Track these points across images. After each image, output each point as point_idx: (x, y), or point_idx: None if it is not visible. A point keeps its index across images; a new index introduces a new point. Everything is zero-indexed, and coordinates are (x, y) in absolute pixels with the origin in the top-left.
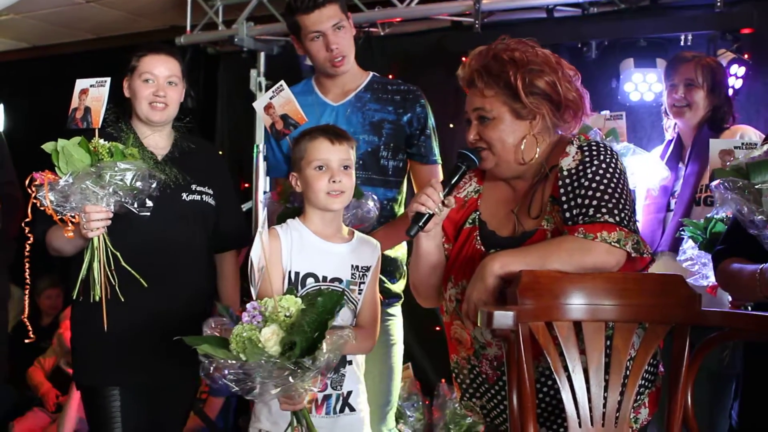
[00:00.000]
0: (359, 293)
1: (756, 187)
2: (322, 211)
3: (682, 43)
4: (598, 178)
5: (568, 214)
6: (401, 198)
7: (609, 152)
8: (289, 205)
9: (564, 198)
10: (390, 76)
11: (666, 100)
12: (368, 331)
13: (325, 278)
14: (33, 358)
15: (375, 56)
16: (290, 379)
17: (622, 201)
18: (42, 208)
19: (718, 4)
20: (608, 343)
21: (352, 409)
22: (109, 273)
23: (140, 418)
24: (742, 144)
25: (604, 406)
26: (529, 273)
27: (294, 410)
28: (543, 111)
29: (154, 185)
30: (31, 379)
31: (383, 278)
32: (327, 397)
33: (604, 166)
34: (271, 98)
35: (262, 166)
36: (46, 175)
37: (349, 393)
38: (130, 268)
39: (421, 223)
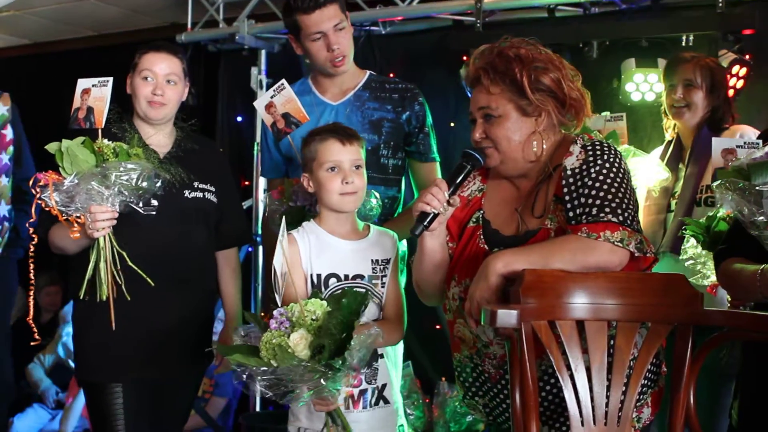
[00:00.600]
0: (382, 286)
1: (757, 188)
2: (336, 212)
3: (683, 44)
4: (601, 177)
5: (571, 214)
6: (401, 196)
7: (613, 152)
8: (292, 204)
9: (567, 197)
10: (391, 75)
11: (665, 100)
12: (395, 324)
13: (347, 276)
14: (32, 355)
15: (376, 55)
16: (322, 381)
17: (626, 200)
18: (47, 209)
19: (720, 4)
20: (611, 342)
21: (386, 402)
22: (115, 272)
23: (142, 414)
24: (744, 143)
25: (607, 405)
26: (532, 272)
27: (328, 410)
28: (549, 108)
29: (159, 184)
30: (31, 375)
31: None
32: (363, 392)
33: (607, 165)
34: (272, 97)
35: None
36: (49, 175)
37: (384, 386)
38: (136, 268)
39: (426, 223)
